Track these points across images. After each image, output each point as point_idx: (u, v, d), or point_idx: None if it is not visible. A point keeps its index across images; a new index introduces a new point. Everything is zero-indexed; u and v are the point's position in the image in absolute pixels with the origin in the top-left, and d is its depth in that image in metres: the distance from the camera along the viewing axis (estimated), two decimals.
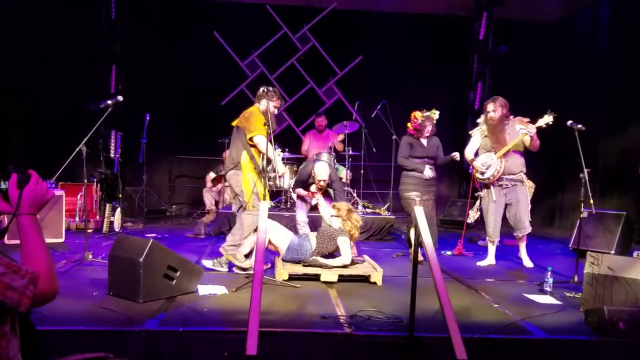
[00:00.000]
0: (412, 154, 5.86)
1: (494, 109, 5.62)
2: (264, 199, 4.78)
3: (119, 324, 3.43)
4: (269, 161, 4.91)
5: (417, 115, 5.95)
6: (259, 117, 5.02)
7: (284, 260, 4.98)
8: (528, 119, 5.59)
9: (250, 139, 5.00)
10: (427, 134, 5.92)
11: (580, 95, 8.59)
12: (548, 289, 4.58)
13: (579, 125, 5.08)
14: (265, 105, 5.13)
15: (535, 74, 9.06)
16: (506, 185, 5.59)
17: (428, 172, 5.83)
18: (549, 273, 4.62)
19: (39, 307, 1.57)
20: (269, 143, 4.78)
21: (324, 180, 5.84)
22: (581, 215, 5.31)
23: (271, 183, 5.24)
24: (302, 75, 9.52)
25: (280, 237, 5.01)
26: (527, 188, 5.65)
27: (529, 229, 5.66)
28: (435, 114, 5.95)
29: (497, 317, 3.91)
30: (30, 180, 1.64)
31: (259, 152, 5.00)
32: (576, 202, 5.28)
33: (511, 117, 5.69)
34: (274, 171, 5.18)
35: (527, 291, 4.64)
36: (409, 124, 6.00)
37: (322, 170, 5.84)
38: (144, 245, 3.95)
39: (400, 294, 4.23)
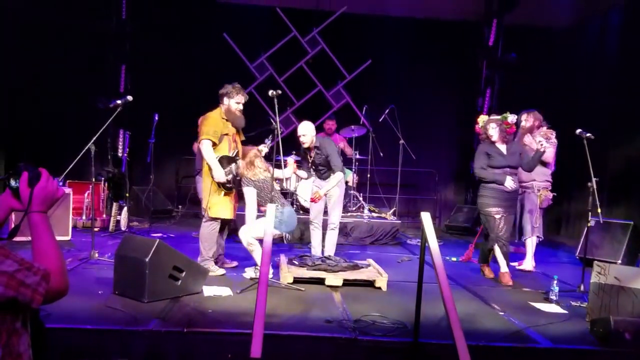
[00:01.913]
0: (491, 163, 5.22)
1: (527, 118, 5.77)
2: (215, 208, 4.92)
3: (123, 324, 3.45)
4: (228, 162, 4.92)
5: (479, 119, 5.48)
6: (210, 121, 4.96)
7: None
8: (553, 132, 5.65)
9: (199, 143, 4.96)
10: (504, 140, 5.27)
11: (589, 103, 8.54)
12: (554, 297, 4.55)
13: (588, 134, 5.07)
14: (227, 105, 5.06)
15: (545, 80, 9.03)
16: (521, 191, 5.72)
17: (510, 183, 5.14)
18: (555, 282, 4.60)
19: (50, 303, 1.59)
20: (231, 143, 4.97)
21: (302, 135, 5.40)
22: (588, 224, 5.28)
23: (229, 185, 5.01)
24: (311, 78, 9.52)
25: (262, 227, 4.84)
26: (537, 195, 5.67)
27: (527, 235, 5.77)
28: (507, 117, 5.35)
29: (503, 325, 3.90)
30: (41, 179, 1.66)
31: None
32: (583, 211, 5.27)
33: (543, 127, 5.76)
34: (232, 173, 4.98)
35: (533, 299, 4.62)
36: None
37: (301, 126, 5.47)
38: (150, 245, 3.97)
39: (405, 300, 4.22)
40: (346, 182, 8.20)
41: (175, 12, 9.05)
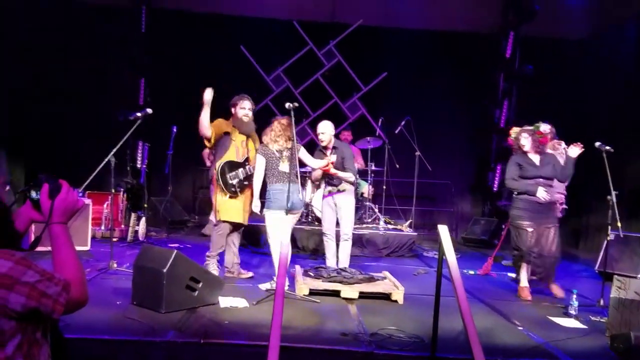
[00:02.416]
0: (523, 174, 5.12)
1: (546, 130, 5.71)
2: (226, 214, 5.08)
3: (141, 334, 3.48)
4: (229, 168, 5.09)
5: (512, 131, 5.37)
6: (215, 121, 5.19)
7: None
8: (561, 142, 5.64)
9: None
10: (537, 150, 5.18)
11: (606, 115, 8.45)
12: (573, 312, 4.49)
13: (607, 147, 5.01)
14: (234, 113, 5.29)
15: (562, 92, 8.96)
16: None
17: (542, 193, 5.00)
18: (574, 296, 4.54)
19: (70, 314, 1.60)
20: (240, 149, 5.18)
21: (322, 133, 5.44)
22: (608, 238, 5.21)
23: (234, 189, 5.12)
24: (327, 90, 9.58)
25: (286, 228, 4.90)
26: None
27: None
28: (539, 127, 5.31)
29: (521, 339, 3.85)
30: (61, 190, 1.68)
31: (213, 162, 5.25)
32: (602, 224, 5.20)
33: (555, 140, 5.74)
34: (238, 177, 5.12)
35: (552, 314, 4.56)
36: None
37: (322, 125, 5.51)
38: (167, 256, 4.00)
39: (421, 313, 4.19)
40: (362, 194, 8.23)
41: (193, 25, 9.18)
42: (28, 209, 1.74)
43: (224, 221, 5.15)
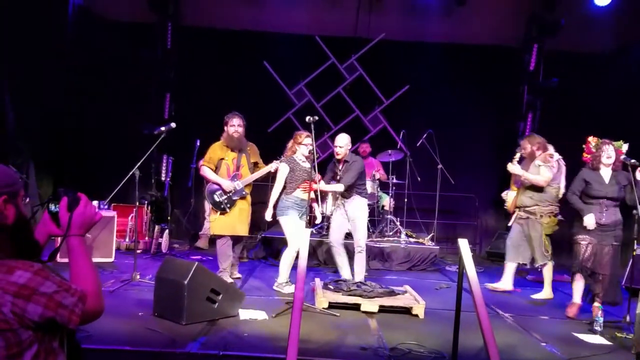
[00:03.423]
0: (588, 191, 4.93)
1: (523, 145, 5.95)
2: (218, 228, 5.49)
3: (161, 346, 3.52)
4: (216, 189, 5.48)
5: (592, 139, 5.10)
6: (209, 149, 5.63)
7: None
8: (553, 155, 5.68)
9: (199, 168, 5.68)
10: (608, 165, 4.93)
11: (633, 128, 8.28)
12: (598, 328, 4.40)
13: (633, 160, 4.89)
14: (226, 131, 5.62)
15: (587, 105, 8.82)
16: (521, 216, 5.79)
17: (589, 221, 4.84)
18: (600, 312, 4.43)
19: (86, 324, 1.64)
20: (231, 167, 5.55)
21: (339, 147, 5.53)
22: (634, 253, 5.08)
23: (223, 206, 5.49)
24: (348, 103, 9.62)
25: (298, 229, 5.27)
26: (540, 223, 5.60)
27: (539, 261, 5.63)
28: (622, 146, 4.99)
29: (544, 356, 3.78)
30: (79, 203, 1.73)
31: (207, 182, 5.61)
32: (629, 239, 5.06)
33: (549, 149, 5.76)
34: (226, 196, 5.49)
35: (577, 330, 4.47)
36: (585, 153, 5.15)
37: (340, 138, 5.60)
38: (189, 268, 4.05)
39: (442, 328, 4.14)
40: (383, 207, 8.22)
41: (217, 41, 9.34)
42: (46, 223, 1.79)
43: (223, 235, 5.52)
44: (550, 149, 5.82)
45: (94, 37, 8.65)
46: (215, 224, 5.54)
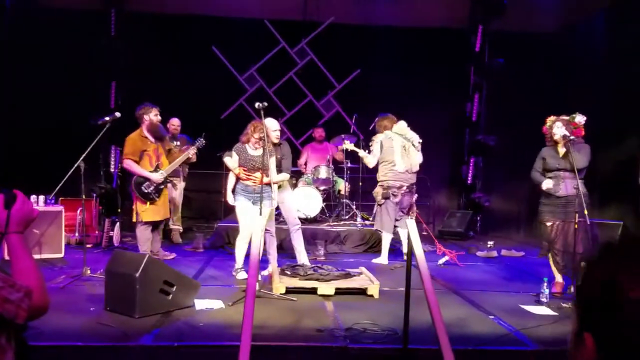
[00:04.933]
0: (544, 166, 5.06)
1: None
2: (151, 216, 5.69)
3: (115, 340, 3.47)
4: (143, 180, 5.62)
5: (548, 119, 5.13)
6: (129, 142, 5.68)
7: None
8: None
9: (122, 164, 5.74)
10: (560, 141, 4.96)
11: (576, 107, 8.59)
12: (544, 299, 4.58)
13: (572, 138, 5.00)
14: (149, 121, 5.75)
15: (532, 85, 9.11)
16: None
17: (547, 184, 4.93)
18: (545, 284, 4.63)
19: (32, 320, 1.62)
20: (152, 157, 5.70)
21: (278, 130, 5.67)
22: (575, 226, 5.31)
23: (152, 196, 5.69)
24: (301, 88, 9.60)
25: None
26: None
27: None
28: (575, 117, 5.03)
29: (492, 328, 3.93)
30: (17, 200, 1.70)
31: (132, 175, 5.68)
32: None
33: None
34: (154, 186, 5.68)
35: (524, 302, 4.65)
36: (543, 132, 5.23)
37: (276, 123, 5.69)
38: (139, 260, 3.99)
39: (396, 306, 4.22)
40: (339, 191, 8.29)
41: (164, 27, 9.11)
42: None
43: (149, 222, 5.71)
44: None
45: (35, 25, 8.29)
46: (146, 213, 5.67)
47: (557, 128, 4.96)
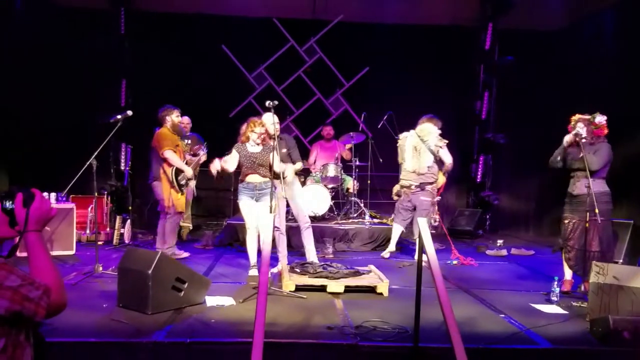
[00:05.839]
0: (568, 165, 5.07)
1: None
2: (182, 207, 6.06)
3: (127, 336, 3.50)
4: (179, 172, 5.92)
5: (572, 118, 5.11)
6: (165, 135, 5.98)
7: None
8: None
9: (163, 154, 5.90)
10: (590, 141, 4.92)
11: (586, 103, 8.53)
12: (555, 298, 4.58)
13: (584, 138, 4.97)
14: (171, 122, 6.05)
15: (542, 82, 9.06)
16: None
17: (566, 138, 4.93)
18: (556, 283, 4.62)
19: (51, 318, 1.65)
20: (181, 154, 6.04)
21: (277, 123, 5.37)
22: (587, 225, 5.29)
23: (184, 188, 6.10)
24: (309, 86, 9.60)
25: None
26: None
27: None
28: (595, 117, 4.99)
29: (503, 327, 3.93)
30: (35, 199, 1.72)
31: (169, 165, 5.91)
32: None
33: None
34: (185, 179, 6.04)
35: (534, 301, 4.65)
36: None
37: (269, 115, 5.42)
38: (152, 257, 4.02)
39: (406, 304, 4.24)
40: (347, 189, 8.29)
41: (173, 25, 9.15)
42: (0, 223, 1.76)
43: (181, 212, 6.11)
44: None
45: (46, 24, 8.34)
46: (180, 202, 6.01)
47: (579, 128, 4.97)
